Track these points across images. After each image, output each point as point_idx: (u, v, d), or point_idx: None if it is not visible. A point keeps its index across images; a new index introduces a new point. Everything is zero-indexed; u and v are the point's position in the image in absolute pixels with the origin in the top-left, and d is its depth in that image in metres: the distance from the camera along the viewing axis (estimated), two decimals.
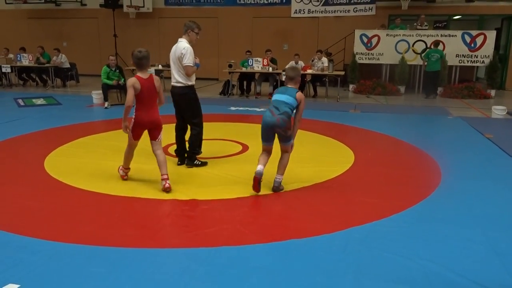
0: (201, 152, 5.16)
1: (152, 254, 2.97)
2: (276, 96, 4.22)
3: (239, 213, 3.70)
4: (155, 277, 2.69)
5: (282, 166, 4.22)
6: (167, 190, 4.16)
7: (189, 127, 5.06)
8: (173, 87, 4.89)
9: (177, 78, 4.82)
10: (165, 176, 4.22)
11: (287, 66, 4.64)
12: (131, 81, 4.12)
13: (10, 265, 2.80)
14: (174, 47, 4.83)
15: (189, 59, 4.69)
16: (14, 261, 2.85)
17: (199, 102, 5.03)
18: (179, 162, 5.13)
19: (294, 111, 4.14)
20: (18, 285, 2.56)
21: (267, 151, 4.24)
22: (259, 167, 4.08)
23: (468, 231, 3.39)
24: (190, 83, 4.87)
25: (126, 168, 4.60)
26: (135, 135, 4.36)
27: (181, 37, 4.85)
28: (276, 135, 4.16)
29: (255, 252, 3.03)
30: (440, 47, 11.84)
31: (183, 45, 4.73)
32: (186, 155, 5.12)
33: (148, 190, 4.25)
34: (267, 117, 4.13)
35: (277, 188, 4.18)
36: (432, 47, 11.71)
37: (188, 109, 4.95)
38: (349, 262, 2.89)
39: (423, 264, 2.87)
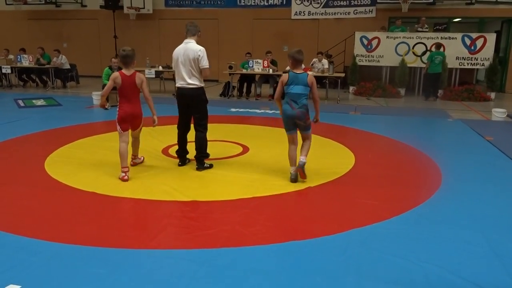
0: (209, 155, 5.15)
1: (152, 256, 2.97)
2: (292, 89, 4.47)
3: (239, 214, 3.70)
4: (155, 278, 2.69)
5: (305, 150, 4.63)
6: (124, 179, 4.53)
7: (192, 129, 5.02)
8: (183, 88, 4.80)
9: (188, 80, 4.75)
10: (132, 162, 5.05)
11: (292, 51, 4.61)
12: (114, 75, 4.63)
13: (11, 266, 2.80)
14: (182, 48, 4.76)
15: (207, 61, 4.73)
16: (15, 262, 2.85)
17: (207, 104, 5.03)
18: (180, 163, 5.09)
19: None
20: (19, 286, 2.56)
21: (292, 140, 4.66)
22: (301, 158, 4.52)
23: (469, 233, 3.39)
24: (202, 85, 4.85)
25: (125, 167, 4.59)
26: (123, 127, 4.75)
27: (186, 38, 4.82)
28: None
29: (255, 254, 3.03)
30: (442, 49, 11.85)
31: (197, 47, 4.70)
32: (187, 156, 5.16)
33: (148, 191, 4.24)
34: (287, 111, 4.51)
35: (303, 165, 4.50)
36: (433, 49, 11.71)
37: (199, 111, 4.89)
38: (349, 264, 2.89)
39: (424, 266, 2.87)
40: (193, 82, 4.75)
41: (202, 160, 4.96)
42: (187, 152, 5.12)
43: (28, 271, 2.75)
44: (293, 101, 4.45)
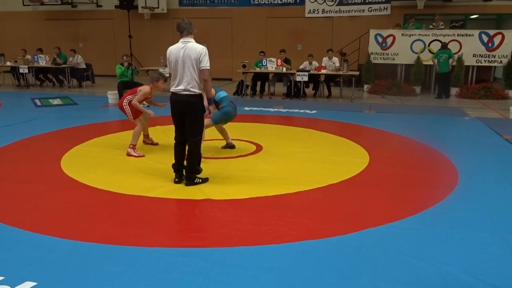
0: (202, 170, 4.57)
1: (166, 254, 2.99)
2: (226, 94, 5.73)
3: (252, 213, 3.70)
4: (169, 276, 2.70)
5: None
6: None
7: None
8: (178, 94, 4.25)
9: (186, 85, 4.19)
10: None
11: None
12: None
13: (28, 263, 2.84)
14: (180, 48, 4.20)
15: (208, 62, 4.22)
16: (31, 259, 2.89)
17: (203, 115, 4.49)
18: (176, 180, 4.47)
19: None
20: (35, 283, 2.59)
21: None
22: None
23: (486, 234, 3.33)
24: (199, 92, 4.27)
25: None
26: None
27: (182, 37, 4.24)
28: None
29: (268, 253, 3.02)
30: (456, 47, 11.66)
31: (199, 46, 4.19)
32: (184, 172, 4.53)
33: (163, 190, 4.27)
34: (234, 110, 5.66)
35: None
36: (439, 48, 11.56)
37: (194, 122, 4.33)
38: (364, 264, 2.87)
39: (440, 266, 2.83)
40: (191, 88, 4.19)
41: (191, 176, 4.42)
42: (183, 167, 4.50)
43: (44, 268, 2.79)
44: (232, 102, 5.68)
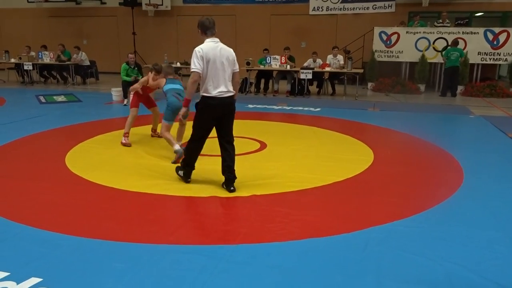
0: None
1: (171, 251, 2.99)
2: (173, 86, 5.56)
3: (257, 210, 3.70)
4: (174, 273, 2.70)
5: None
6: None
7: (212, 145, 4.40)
8: (221, 98, 3.98)
9: (228, 87, 4.02)
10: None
11: (165, 65, 6.07)
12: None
13: (33, 259, 2.85)
14: (215, 48, 3.99)
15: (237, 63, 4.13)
16: (37, 255, 2.90)
17: None
18: (189, 180, 4.37)
19: None
20: (41, 279, 2.60)
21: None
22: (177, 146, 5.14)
23: (491, 232, 3.32)
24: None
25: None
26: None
27: (208, 36, 4.09)
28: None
29: (274, 251, 3.02)
30: (461, 45, 11.61)
31: (229, 48, 4.10)
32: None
33: (167, 187, 4.27)
34: (177, 102, 5.32)
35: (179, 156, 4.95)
36: (450, 45, 11.50)
37: (232, 124, 4.20)
38: (369, 262, 2.86)
39: (445, 265, 2.82)
40: (230, 89, 4.05)
41: (234, 180, 4.21)
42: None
43: (49, 264, 2.79)
44: (178, 94, 5.47)
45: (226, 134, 4.20)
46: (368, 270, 2.76)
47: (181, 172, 4.43)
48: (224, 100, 4.01)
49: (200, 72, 3.95)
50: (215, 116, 4.07)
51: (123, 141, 5.88)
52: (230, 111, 4.12)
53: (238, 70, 4.12)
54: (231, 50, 4.09)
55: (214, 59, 3.95)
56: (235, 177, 4.20)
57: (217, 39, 4.07)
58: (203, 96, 4.02)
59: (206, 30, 4.05)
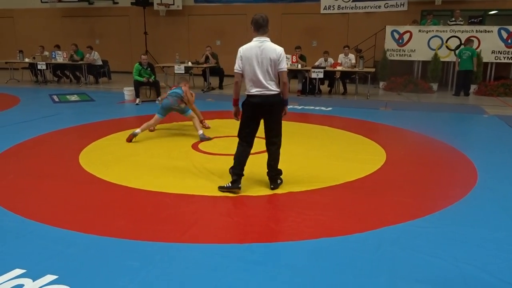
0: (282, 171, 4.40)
1: (184, 249, 3.01)
2: (173, 90, 6.48)
3: (270, 210, 3.71)
4: (187, 271, 2.72)
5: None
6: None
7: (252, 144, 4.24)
8: (262, 96, 3.98)
9: (271, 85, 3.98)
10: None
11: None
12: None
13: (48, 256, 2.89)
14: (256, 48, 3.96)
15: (285, 64, 4.08)
16: (52, 253, 2.94)
17: None
18: (239, 186, 4.14)
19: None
20: (56, 276, 2.63)
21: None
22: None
23: (505, 233, 3.28)
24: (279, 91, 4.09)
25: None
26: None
27: (257, 35, 4.03)
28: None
29: (287, 250, 3.03)
30: (475, 44, 11.48)
31: (278, 47, 3.99)
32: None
33: (180, 185, 4.29)
34: (167, 101, 6.29)
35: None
36: (464, 44, 11.37)
37: (278, 122, 4.13)
38: (382, 262, 2.85)
39: (460, 266, 2.79)
40: (275, 88, 4.01)
41: (278, 179, 4.28)
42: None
43: (64, 262, 2.83)
44: (170, 95, 6.36)
45: (268, 133, 4.16)
46: (381, 270, 2.75)
47: (228, 184, 4.16)
48: (262, 99, 3.98)
49: (239, 72, 4.03)
50: (254, 115, 4.07)
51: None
52: (270, 111, 4.04)
53: (284, 69, 4.00)
54: (278, 49, 3.97)
55: (252, 58, 3.94)
56: (275, 175, 4.25)
57: (264, 38, 4.02)
58: (246, 95, 4.08)
59: (258, 28, 4.02)
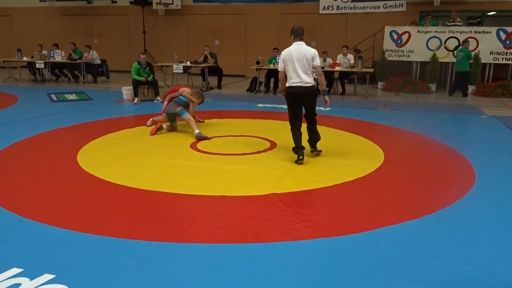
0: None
1: (182, 249, 3.00)
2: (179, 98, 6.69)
3: (268, 210, 3.70)
4: (185, 271, 2.72)
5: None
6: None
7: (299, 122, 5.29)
8: (301, 87, 5.04)
9: (306, 79, 5.03)
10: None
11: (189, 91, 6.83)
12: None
13: (46, 256, 2.88)
14: (295, 50, 5.05)
15: (319, 60, 5.15)
16: (50, 252, 2.94)
17: None
18: (301, 157, 5.09)
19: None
20: (54, 275, 2.63)
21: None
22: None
23: (504, 234, 3.29)
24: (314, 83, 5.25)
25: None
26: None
27: (295, 41, 5.10)
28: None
29: (284, 250, 3.02)
30: (473, 45, 11.50)
31: (311, 48, 5.10)
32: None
33: (178, 185, 4.29)
34: (170, 108, 6.57)
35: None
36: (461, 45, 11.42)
37: (315, 105, 5.29)
38: (380, 262, 2.85)
39: (457, 266, 2.80)
40: (310, 81, 5.06)
41: (314, 141, 5.47)
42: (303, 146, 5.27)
43: (62, 261, 2.82)
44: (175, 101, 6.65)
45: (309, 112, 5.31)
46: (379, 270, 2.75)
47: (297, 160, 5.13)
48: (300, 89, 5.04)
49: (282, 70, 5.21)
50: (294, 101, 5.16)
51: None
52: (308, 97, 5.14)
53: (318, 64, 5.10)
54: (311, 50, 5.07)
55: (292, 58, 5.02)
56: (315, 139, 5.41)
57: (301, 42, 5.12)
58: (287, 87, 5.15)
59: (296, 35, 5.13)
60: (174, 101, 6.58)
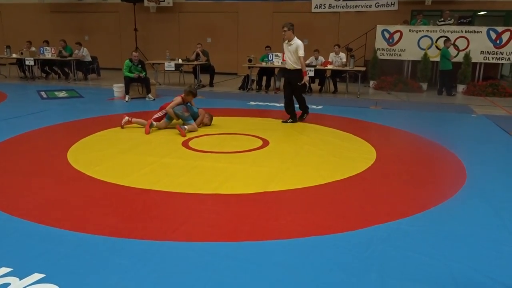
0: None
1: (174, 247, 2.98)
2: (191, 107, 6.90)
3: (260, 208, 3.69)
4: (178, 270, 2.69)
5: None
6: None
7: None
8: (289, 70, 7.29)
9: (293, 65, 7.21)
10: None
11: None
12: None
13: (36, 255, 2.84)
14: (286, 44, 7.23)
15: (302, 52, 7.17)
16: (39, 251, 2.89)
17: None
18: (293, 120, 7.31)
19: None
20: (44, 275, 2.59)
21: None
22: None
23: (495, 232, 3.31)
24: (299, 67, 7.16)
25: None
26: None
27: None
28: None
29: (277, 248, 3.01)
30: (463, 43, 11.59)
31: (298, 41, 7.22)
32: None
33: (170, 183, 4.26)
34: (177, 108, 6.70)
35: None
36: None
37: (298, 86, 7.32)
38: (372, 260, 2.85)
39: (450, 264, 2.81)
40: (296, 66, 7.17)
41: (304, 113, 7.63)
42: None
43: (52, 260, 2.78)
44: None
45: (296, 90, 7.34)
46: (372, 268, 2.75)
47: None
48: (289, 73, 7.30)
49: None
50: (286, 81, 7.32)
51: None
52: (294, 77, 7.25)
53: (301, 55, 7.11)
54: (297, 43, 7.16)
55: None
56: (305, 112, 7.61)
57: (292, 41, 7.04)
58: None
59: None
60: (185, 105, 6.71)
